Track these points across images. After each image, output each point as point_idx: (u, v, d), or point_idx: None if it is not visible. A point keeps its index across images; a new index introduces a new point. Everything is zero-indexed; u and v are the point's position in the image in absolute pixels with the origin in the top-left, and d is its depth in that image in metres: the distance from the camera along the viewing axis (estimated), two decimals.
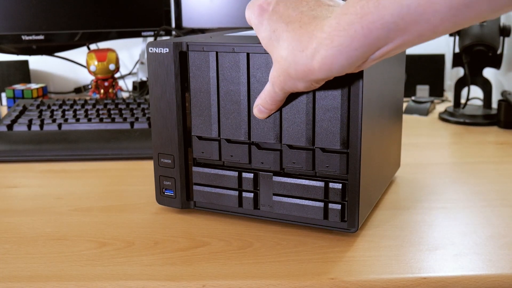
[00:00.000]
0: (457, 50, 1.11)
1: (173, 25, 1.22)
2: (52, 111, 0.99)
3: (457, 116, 1.08)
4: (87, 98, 1.17)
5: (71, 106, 1.02)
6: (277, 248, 0.56)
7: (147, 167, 0.82)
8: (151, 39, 1.25)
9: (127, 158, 0.86)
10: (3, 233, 0.61)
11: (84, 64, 1.33)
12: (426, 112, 1.15)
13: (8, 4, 1.13)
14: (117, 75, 1.30)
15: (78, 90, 1.41)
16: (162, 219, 0.63)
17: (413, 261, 0.53)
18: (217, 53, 0.58)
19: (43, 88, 1.23)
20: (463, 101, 1.17)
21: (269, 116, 0.56)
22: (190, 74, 0.60)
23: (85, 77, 1.42)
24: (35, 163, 0.86)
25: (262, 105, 0.55)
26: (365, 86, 0.53)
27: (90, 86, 1.33)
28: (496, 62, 1.10)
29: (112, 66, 1.18)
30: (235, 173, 0.60)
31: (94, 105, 1.02)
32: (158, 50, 0.60)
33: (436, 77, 1.31)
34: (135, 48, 1.42)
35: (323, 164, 0.56)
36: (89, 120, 0.95)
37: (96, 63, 1.16)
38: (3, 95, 1.30)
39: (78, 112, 0.98)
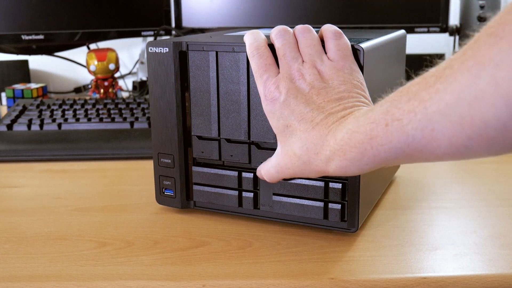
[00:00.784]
0: (457, 50, 1.11)
1: (173, 25, 1.22)
2: (52, 111, 0.99)
3: None
4: (87, 98, 1.17)
5: (71, 106, 1.02)
6: (277, 248, 0.56)
7: (147, 167, 0.82)
8: (151, 38, 1.25)
9: (127, 158, 0.86)
10: (3, 233, 0.61)
11: (84, 64, 1.33)
12: None
13: (8, 4, 1.13)
14: (117, 75, 1.30)
15: (78, 90, 1.41)
16: (162, 219, 0.63)
17: (413, 261, 0.53)
18: (217, 52, 0.58)
19: (43, 88, 1.23)
20: None
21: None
22: (190, 74, 0.60)
23: (85, 77, 1.42)
24: (35, 163, 0.86)
25: (263, 176, 0.56)
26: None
27: (90, 86, 1.33)
28: None
29: (112, 66, 1.17)
30: (235, 173, 0.60)
31: (94, 105, 1.02)
32: (158, 50, 0.60)
33: None
34: (135, 48, 1.42)
35: None
36: (89, 120, 0.95)
37: (96, 62, 1.16)
38: (3, 95, 1.30)
39: (78, 112, 0.98)
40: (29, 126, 0.94)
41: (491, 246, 0.55)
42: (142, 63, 1.35)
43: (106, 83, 1.19)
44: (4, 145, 0.88)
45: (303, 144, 0.49)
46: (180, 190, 0.63)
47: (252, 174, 0.60)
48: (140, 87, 1.32)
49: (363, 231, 0.59)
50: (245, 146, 0.59)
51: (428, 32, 1.16)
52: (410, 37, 1.25)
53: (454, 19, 1.21)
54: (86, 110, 0.99)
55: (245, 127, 0.58)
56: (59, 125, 0.94)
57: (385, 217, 0.63)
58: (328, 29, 0.53)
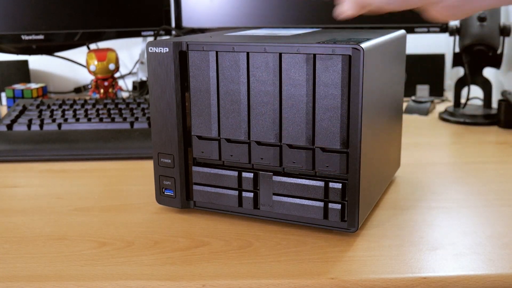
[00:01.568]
0: (457, 50, 1.11)
1: (173, 24, 1.22)
2: (52, 111, 0.99)
3: (457, 116, 1.08)
4: (87, 98, 1.17)
5: (71, 106, 1.02)
6: (277, 248, 0.56)
7: (147, 167, 0.82)
8: (151, 38, 1.25)
9: (127, 158, 0.86)
10: (3, 233, 0.61)
11: (84, 64, 1.33)
12: (426, 112, 1.15)
13: (8, 4, 1.13)
14: (117, 75, 1.30)
15: (78, 90, 1.41)
16: (162, 219, 0.63)
17: (413, 261, 0.53)
18: (217, 52, 0.58)
19: (43, 88, 1.23)
20: (463, 101, 1.17)
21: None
22: (190, 74, 0.60)
23: (85, 77, 1.42)
24: (35, 163, 0.86)
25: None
26: (365, 86, 0.53)
27: (90, 86, 1.33)
28: (496, 62, 1.10)
29: (112, 66, 1.17)
30: (235, 173, 0.60)
31: (94, 105, 1.02)
32: (158, 50, 0.60)
33: (436, 77, 1.31)
34: (135, 48, 1.42)
35: (323, 164, 0.56)
36: (89, 120, 0.95)
37: (96, 63, 1.16)
38: (3, 95, 1.30)
39: (78, 112, 0.98)
40: (29, 126, 0.94)
41: (491, 246, 0.55)
42: (142, 63, 1.35)
43: (106, 83, 1.19)
44: (4, 145, 0.88)
45: None
46: (180, 190, 0.63)
47: (252, 174, 0.60)
48: (140, 87, 1.32)
49: (363, 231, 0.59)
50: (245, 146, 0.59)
51: (428, 32, 1.16)
52: (410, 37, 1.26)
53: None
54: (86, 110, 0.99)
55: (245, 127, 0.58)
56: (59, 125, 0.94)
57: (385, 217, 0.63)
58: None
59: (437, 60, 1.31)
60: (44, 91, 1.23)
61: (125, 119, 0.96)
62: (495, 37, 1.06)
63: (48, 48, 1.28)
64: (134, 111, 0.99)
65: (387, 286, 0.50)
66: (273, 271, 0.51)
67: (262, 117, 0.57)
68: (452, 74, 1.37)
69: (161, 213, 0.65)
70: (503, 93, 1.06)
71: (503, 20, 1.16)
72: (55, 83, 1.44)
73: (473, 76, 1.11)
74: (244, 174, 0.60)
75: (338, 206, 0.57)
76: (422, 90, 1.30)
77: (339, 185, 0.56)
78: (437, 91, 1.31)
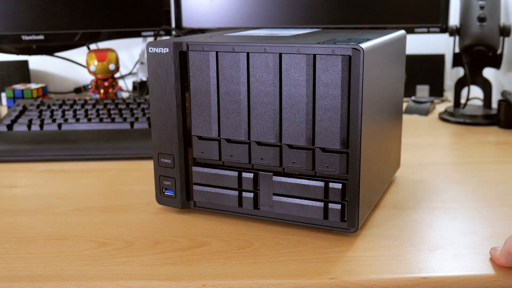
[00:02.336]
0: (457, 50, 1.11)
1: (173, 25, 1.22)
2: (52, 111, 0.99)
3: (457, 116, 1.08)
4: (87, 98, 1.17)
5: (71, 106, 1.02)
6: (277, 248, 0.56)
7: (147, 167, 0.82)
8: (151, 39, 1.25)
9: (127, 158, 0.86)
10: (3, 233, 0.61)
11: (84, 64, 1.33)
12: (426, 112, 1.15)
13: (8, 4, 1.13)
14: (117, 75, 1.30)
15: (78, 90, 1.41)
16: (162, 219, 0.63)
17: (413, 261, 0.53)
18: (217, 53, 0.58)
19: (43, 88, 1.23)
20: (463, 101, 1.17)
21: None
22: (190, 74, 0.60)
23: (85, 77, 1.42)
24: (35, 163, 0.86)
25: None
26: (365, 86, 0.53)
27: (90, 86, 1.33)
28: (496, 62, 1.10)
29: (112, 66, 1.17)
30: (235, 173, 0.60)
31: (94, 105, 1.02)
32: (158, 50, 0.60)
33: (436, 77, 1.31)
34: (135, 48, 1.42)
35: (323, 164, 0.56)
36: (89, 120, 0.95)
37: (96, 63, 1.16)
38: (3, 95, 1.30)
39: (78, 112, 0.98)
40: (29, 126, 0.94)
41: (491, 246, 0.55)
42: (142, 63, 1.35)
43: (106, 84, 1.19)
44: (4, 145, 0.88)
45: None
46: (180, 190, 0.63)
47: (252, 174, 0.60)
48: (140, 87, 1.32)
49: (363, 231, 0.59)
50: (245, 146, 0.59)
51: (428, 32, 1.16)
52: (410, 37, 1.26)
53: (454, 19, 1.21)
54: (86, 111, 1.00)
55: (245, 127, 0.58)
56: (59, 125, 0.94)
57: (385, 217, 0.63)
58: None
59: (437, 60, 1.31)
60: (44, 91, 1.23)
61: (125, 119, 0.96)
62: (495, 37, 1.06)
63: (48, 48, 1.28)
64: (134, 111, 0.99)
65: (387, 286, 0.50)
66: (273, 271, 0.51)
67: (262, 117, 0.57)
68: (452, 74, 1.37)
69: (161, 213, 0.65)
70: (503, 93, 1.06)
71: (503, 20, 1.16)
72: (55, 83, 1.44)
73: (473, 76, 1.11)
74: (244, 174, 0.60)
75: (338, 206, 0.57)
76: (422, 90, 1.30)
77: (339, 185, 0.56)
78: (437, 91, 1.31)
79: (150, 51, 0.60)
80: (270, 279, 0.50)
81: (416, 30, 1.15)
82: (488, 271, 0.51)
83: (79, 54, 1.34)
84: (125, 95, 1.31)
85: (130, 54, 1.43)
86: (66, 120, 0.95)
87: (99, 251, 0.56)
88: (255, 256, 0.54)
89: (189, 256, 0.55)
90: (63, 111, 0.99)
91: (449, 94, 1.34)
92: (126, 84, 1.37)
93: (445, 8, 1.14)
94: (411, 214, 0.64)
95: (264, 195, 0.60)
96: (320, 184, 0.57)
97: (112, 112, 0.99)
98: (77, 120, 0.95)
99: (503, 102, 1.03)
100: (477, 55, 1.09)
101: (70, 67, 1.41)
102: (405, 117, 1.13)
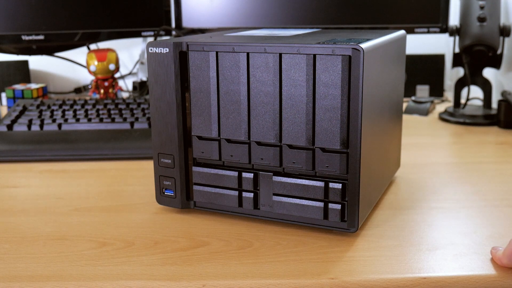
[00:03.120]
0: (457, 50, 1.11)
1: (173, 25, 1.22)
2: (52, 111, 0.99)
3: (457, 116, 1.08)
4: (87, 98, 1.17)
5: (71, 106, 1.02)
6: (277, 248, 0.56)
7: (147, 167, 0.82)
8: (151, 39, 1.25)
9: (127, 158, 0.86)
10: (3, 233, 0.61)
11: (84, 64, 1.33)
12: (426, 112, 1.15)
13: (8, 4, 1.13)
14: (117, 75, 1.30)
15: (78, 90, 1.41)
16: (162, 219, 0.63)
17: (413, 261, 0.53)
18: (217, 53, 0.58)
19: (43, 88, 1.23)
20: (463, 101, 1.17)
21: None
22: (190, 74, 0.60)
23: (85, 77, 1.42)
24: (35, 163, 0.86)
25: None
26: (365, 86, 0.53)
27: (90, 86, 1.33)
28: (496, 62, 1.10)
29: (112, 66, 1.17)
30: (235, 173, 0.60)
31: (94, 105, 1.02)
32: (158, 50, 0.60)
33: (436, 77, 1.31)
34: (135, 48, 1.42)
35: (323, 164, 0.56)
36: (89, 120, 0.95)
37: (96, 63, 1.16)
38: (3, 95, 1.30)
39: (78, 112, 0.98)
40: (29, 127, 0.94)
41: (491, 246, 0.55)
42: (142, 63, 1.35)
43: (106, 84, 1.19)
44: (4, 145, 0.88)
45: None
46: (180, 190, 0.63)
47: (252, 174, 0.60)
48: (140, 87, 1.32)
49: (363, 231, 0.59)
50: (245, 146, 0.59)
51: (428, 32, 1.16)
52: (410, 38, 1.26)
53: (454, 19, 1.21)
54: (86, 111, 1.00)
55: (245, 127, 0.58)
56: (59, 125, 0.94)
57: (385, 217, 0.63)
58: None
59: (437, 60, 1.31)
60: (44, 92, 1.23)
61: (125, 119, 0.96)
62: (495, 38, 1.06)
63: (48, 48, 1.28)
64: (134, 111, 0.99)
65: (387, 286, 0.50)
66: (273, 271, 0.51)
67: (262, 117, 0.57)
68: (452, 74, 1.37)
69: (161, 213, 0.65)
70: (503, 93, 1.06)
71: (503, 21, 1.16)
72: (55, 83, 1.44)
73: (473, 77, 1.11)
74: (244, 174, 0.60)
75: (338, 206, 0.57)
76: (422, 90, 1.30)
77: (339, 185, 0.56)
78: (437, 91, 1.31)
79: (150, 51, 0.60)
80: (270, 279, 0.50)
81: (416, 30, 1.15)
82: (488, 271, 0.51)
83: (79, 54, 1.34)
84: (125, 95, 1.31)
85: (130, 54, 1.43)
86: (66, 120, 0.95)
87: (99, 251, 0.56)
88: (255, 256, 0.54)
89: (189, 256, 0.55)
90: (63, 111, 0.99)
91: (449, 94, 1.34)
92: (126, 84, 1.37)
93: (445, 8, 1.14)
94: (411, 214, 0.64)
95: (264, 195, 0.60)
96: (320, 184, 0.57)
97: (112, 112, 0.99)
98: (77, 120, 0.95)
99: (503, 102, 1.03)
100: (477, 55, 1.09)
101: (70, 67, 1.41)
102: (405, 117, 1.13)
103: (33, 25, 1.14)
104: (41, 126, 0.94)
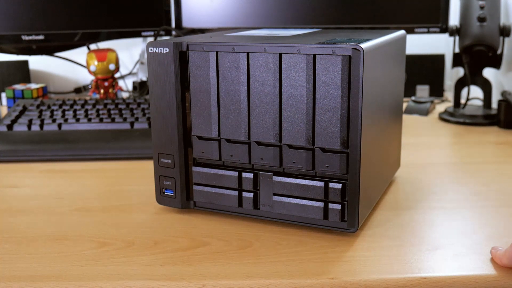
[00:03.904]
0: (457, 50, 1.11)
1: (173, 25, 1.22)
2: (52, 111, 0.99)
3: (457, 116, 1.08)
4: (87, 98, 1.17)
5: (71, 106, 1.02)
6: (277, 248, 0.56)
7: (147, 167, 0.82)
8: (151, 39, 1.25)
9: (127, 158, 0.86)
10: (3, 233, 0.61)
11: (84, 64, 1.33)
12: (426, 112, 1.15)
13: (8, 4, 1.13)
14: (117, 75, 1.30)
15: (78, 90, 1.41)
16: (162, 219, 0.63)
17: (413, 261, 0.53)
18: (217, 53, 0.58)
19: (43, 88, 1.23)
20: (463, 101, 1.17)
21: None
22: (190, 74, 0.60)
23: (85, 77, 1.42)
24: (35, 163, 0.86)
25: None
26: (365, 86, 0.53)
27: (90, 86, 1.33)
28: (496, 62, 1.10)
29: (112, 66, 1.17)
30: (235, 173, 0.60)
31: (94, 105, 1.02)
32: (158, 50, 0.60)
33: (436, 77, 1.31)
34: (135, 48, 1.42)
35: (323, 164, 0.56)
36: (89, 120, 0.95)
37: (96, 63, 1.16)
38: (3, 95, 1.30)
39: (78, 112, 0.98)
40: (29, 127, 0.94)
41: (491, 246, 0.55)
42: (142, 63, 1.35)
43: (106, 84, 1.19)
44: (4, 145, 0.88)
45: None
46: (180, 190, 0.63)
47: (252, 174, 0.60)
48: (140, 87, 1.32)
49: (363, 231, 0.59)
50: (245, 146, 0.59)
51: (428, 32, 1.16)
52: (410, 37, 1.26)
53: (454, 19, 1.21)
54: (86, 111, 1.00)
55: (245, 127, 0.58)
56: (59, 125, 0.94)
57: (385, 217, 0.63)
58: None
59: (437, 60, 1.31)
60: (44, 92, 1.23)
61: (125, 119, 0.96)
62: (495, 38, 1.06)
63: (48, 48, 1.28)
64: (134, 111, 0.99)
65: (387, 286, 0.50)
66: (273, 271, 0.51)
67: (262, 117, 0.57)
68: (452, 74, 1.37)
69: (161, 213, 0.65)
70: (503, 93, 1.06)
71: (503, 21, 1.16)
72: (55, 83, 1.44)
73: (473, 77, 1.11)
74: (244, 174, 0.60)
75: (338, 206, 0.57)
76: (422, 90, 1.30)
77: (339, 185, 0.56)
78: (437, 91, 1.31)
79: (150, 51, 0.60)
80: (270, 279, 0.50)
81: (416, 30, 1.15)
82: (488, 271, 0.51)
83: (79, 54, 1.34)
84: (125, 95, 1.31)
85: (130, 54, 1.43)
86: (66, 120, 0.95)
87: (99, 251, 0.56)
88: (255, 256, 0.54)
89: (189, 256, 0.55)
90: (63, 111, 0.99)
91: (449, 94, 1.34)
92: (126, 84, 1.37)
93: (445, 8, 1.14)
94: (411, 214, 0.64)
95: (264, 195, 0.60)
96: (320, 184, 0.57)
97: (112, 112, 0.99)
98: (77, 120, 0.95)
99: (503, 102, 1.03)
100: (477, 55, 1.09)
101: (70, 67, 1.41)
102: (405, 117, 1.13)
103: (33, 25, 1.14)
104: (41, 126, 0.94)
